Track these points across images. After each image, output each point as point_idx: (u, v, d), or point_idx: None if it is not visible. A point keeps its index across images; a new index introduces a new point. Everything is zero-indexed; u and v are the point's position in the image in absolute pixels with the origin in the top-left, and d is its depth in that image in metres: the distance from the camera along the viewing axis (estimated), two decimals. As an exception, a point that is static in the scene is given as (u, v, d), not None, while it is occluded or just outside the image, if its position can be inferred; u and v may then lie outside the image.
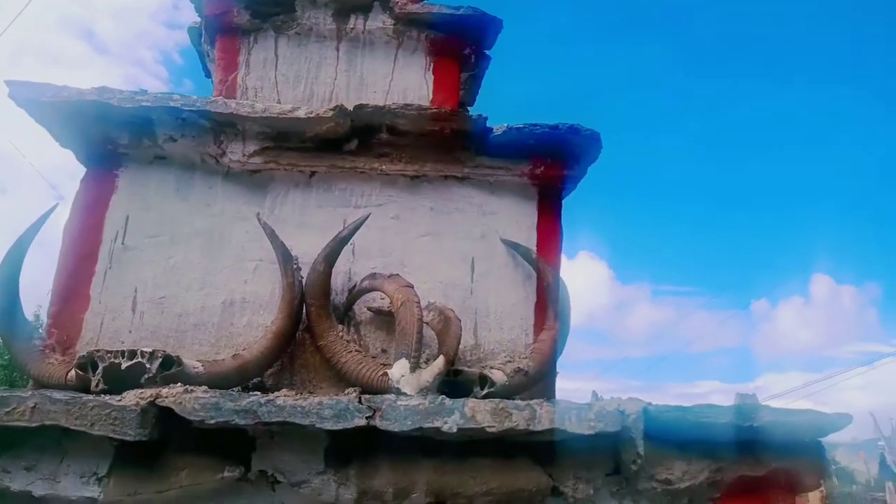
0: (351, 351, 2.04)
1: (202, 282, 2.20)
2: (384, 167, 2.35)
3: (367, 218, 2.16)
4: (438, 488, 1.57)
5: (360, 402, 1.49)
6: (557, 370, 2.32)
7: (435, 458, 1.59)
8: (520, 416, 1.54)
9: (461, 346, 2.22)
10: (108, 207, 2.24)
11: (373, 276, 2.14)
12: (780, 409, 1.65)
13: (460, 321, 2.03)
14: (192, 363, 1.86)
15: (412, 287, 1.98)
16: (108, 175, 2.25)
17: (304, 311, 2.08)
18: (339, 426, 1.46)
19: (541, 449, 1.64)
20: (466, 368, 2.01)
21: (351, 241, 2.18)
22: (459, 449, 1.61)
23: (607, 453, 1.66)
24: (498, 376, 2.00)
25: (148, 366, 1.73)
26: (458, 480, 1.58)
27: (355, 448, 1.56)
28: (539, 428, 1.53)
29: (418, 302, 1.93)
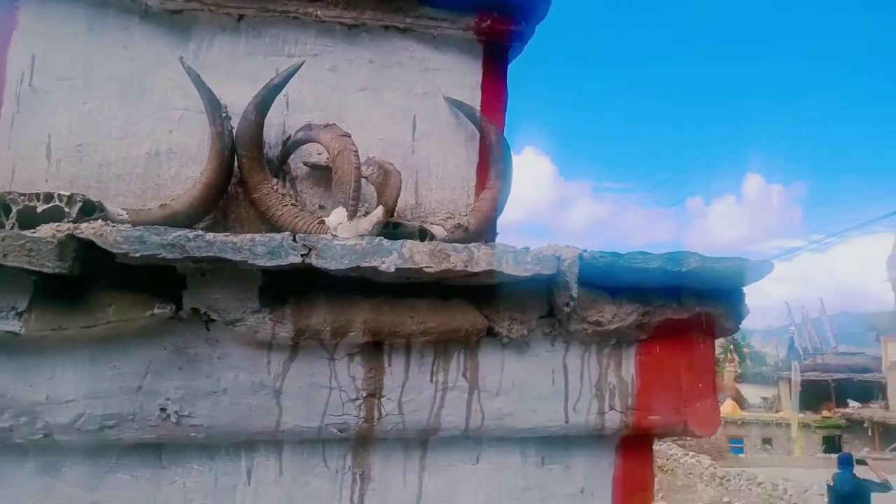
0: (286, 204, 1.98)
1: (123, 130, 2.05)
2: (319, 12, 2.19)
3: (300, 65, 2.03)
4: (376, 327, 1.58)
5: (294, 240, 1.45)
6: (497, 231, 2.33)
7: (373, 299, 1.59)
8: (458, 257, 1.54)
9: (402, 206, 2.20)
10: (9, 45, 2.02)
11: (308, 126, 2.05)
12: (708, 256, 1.70)
13: (400, 174, 1.99)
14: (116, 210, 1.77)
15: (349, 136, 1.91)
16: (7, 7, 2.02)
17: (235, 163, 2.00)
18: (273, 263, 1.42)
19: (477, 292, 1.66)
20: (406, 222, 1.99)
21: (284, 91, 2.06)
22: (397, 290, 1.61)
23: (542, 297, 1.70)
24: (438, 231, 1.99)
25: (67, 210, 1.64)
26: (395, 320, 1.59)
27: (291, 288, 1.54)
28: (476, 269, 1.54)
29: (356, 151, 1.86)
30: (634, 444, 1.87)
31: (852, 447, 27.69)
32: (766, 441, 31.66)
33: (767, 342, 54.91)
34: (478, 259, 1.55)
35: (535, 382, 1.73)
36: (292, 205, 1.99)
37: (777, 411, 34.68)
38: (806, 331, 38.86)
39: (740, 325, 1.87)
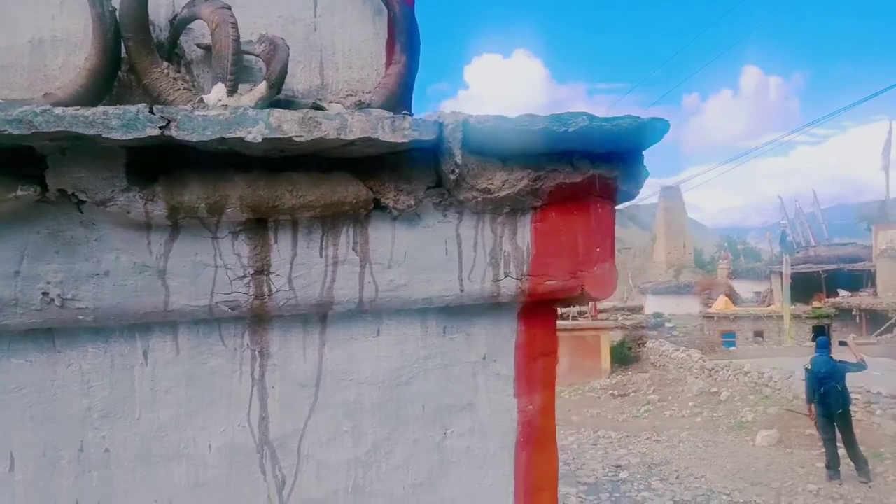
0: (179, 88, 1.92)
1: (1, 17, 1.96)
2: None
3: (183, -63, 1.91)
4: (254, 203, 1.56)
5: (151, 111, 1.41)
6: (412, 110, 2.28)
7: (248, 174, 1.56)
8: (330, 125, 1.49)
9: (307, 87, 2.14)
10: None
11: (192, 2, 1.95)
12: (598, 116, 1.66)
13: (288, 48, 1.90)
14: (-9, 101, 1.71)
15: (228, 8, 1.81)
16: None
17: (122, 47, 1.91)
18: (130, 136, 1.38)
19: (361, 164, 1.63)
20: (299, 100, 1.94)
21: (171, -33, 1.96)
22: (277, 165, 1.58)
23: (428, 166, 1.67)
24: (335, 109, 1.94)
25: (-68, 100, 1.59)
26: (273, 194, 1.57)
27: (160, 165, 1.51)
28: (350, 137, 1.50)
29: (234, 23, 1.78)
30: (535, 311, 1.90)
31: (841, 335, 28.55)
32: (758, 334, 32.57)
33: (763, 238, 55.28)
34: (351, 126, 1.50)
35: (427, 253, 1.73)
36: (185, 89, 1.92)
37: (769, 305, 35.45)
38: (799, 224, 39.13)
39: (638, 190, 1.85)
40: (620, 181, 1.81)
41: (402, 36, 2.13)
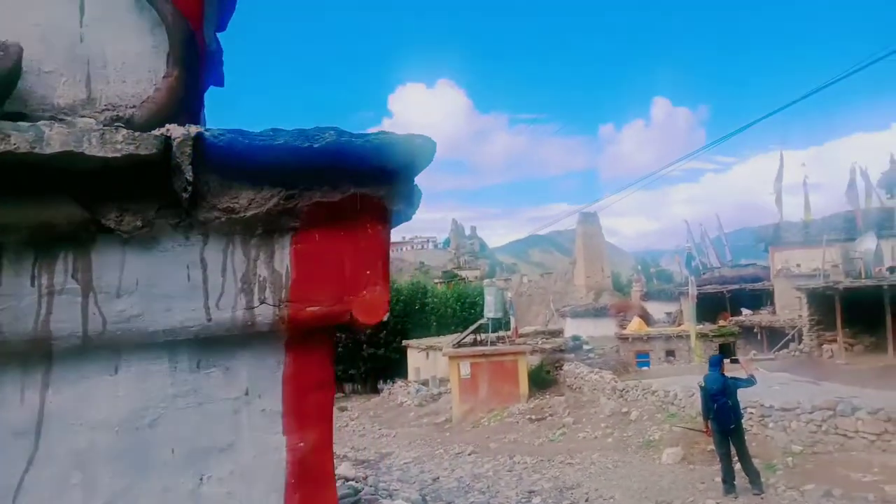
0: None
1: None
2: None
3: None
4: (-61, 224, 1.37)
5: None
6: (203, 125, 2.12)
7: (-72, 194, 1.36)
8: (21, 138, 1.33)
9: (71, 101, 1.95)
10: None
11: None
12: (350, 132, 1.56)
13: (22, 49, 1.72)
14: None
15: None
16: None
17: None
18: None
19: (80, 181, 1.47)
20: (36, 114, 1.75)
21: None
22: (-28, 182, 1.38)
23: (157, 184, 1.52)
24: (83, 124, 1.76)
25: None
26: (-41, 216, 1.38)
27: None
28: (48, 151, 1.34)
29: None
30: (305, 340, 1.76)
31: (744, 351, 29.98)
32: (670, 353, 33.76)
33: (674, 261, 57.70)
34: (49, 139, 1.34)
35: (167, 280, 1.57)
36: None
37: (679, 325, 36.89)
38: (704, 247, 41.14)
39: (413, 211, 1.77)
40: (391, 201, 1.71)
41: (177, 48, 1.99)
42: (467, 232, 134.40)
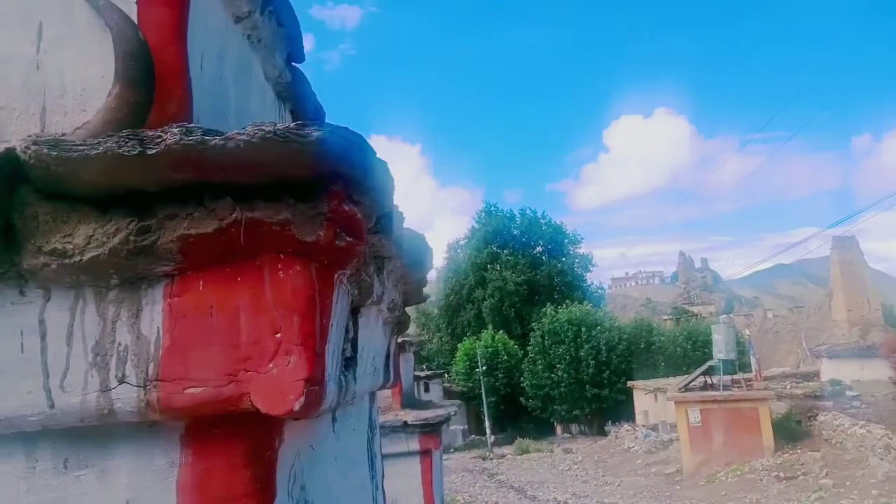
0: None
1: None
2: None
3: None
4: None
5: None
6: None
7: None
8: None
9: (23, 136, 1.72)
10: None
11: None
12: (244, 131, 1.04)
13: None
14: None
15: None
16: None
17: None
18: None
19: None
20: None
21: None
22: None
23: (-29, 221, 1.13)
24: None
25: None
26: None
27: None
28: None
29: None
30: (210, 434, 1.23)
31: None
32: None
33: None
34: None
35: (-7, 351, 1.17)
36: None
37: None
38: None
39: (386, 237, 1.18)
40: (306, 228, 1.14)
41: (121, 61, 1.66)
42: (697, 264, 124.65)
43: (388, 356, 3.11)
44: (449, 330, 57.96)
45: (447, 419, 9.01)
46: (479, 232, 60.40)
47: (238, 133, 1.01)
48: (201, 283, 1.15)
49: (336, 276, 1.26)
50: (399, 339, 10.18)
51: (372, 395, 3.06)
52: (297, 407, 1.10)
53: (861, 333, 54.56)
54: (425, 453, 8.57)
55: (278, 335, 1.15)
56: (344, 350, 1.58)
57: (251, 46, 2.71)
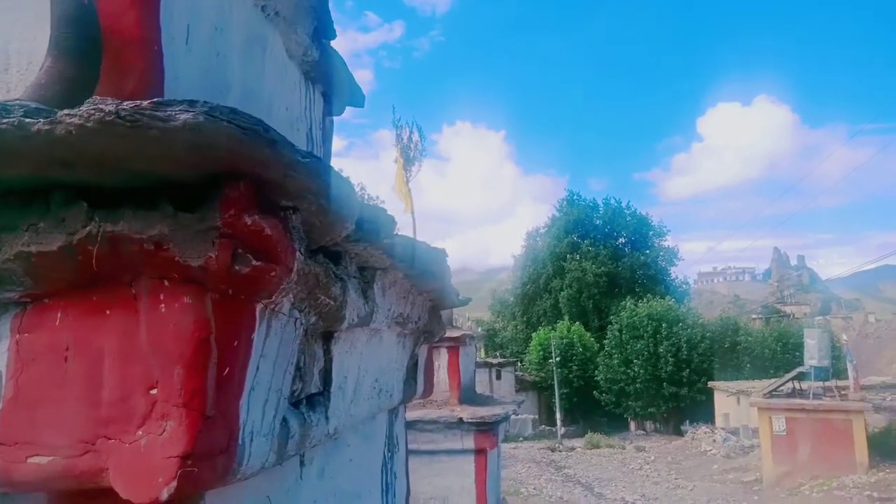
0: None
1: None
2: None
3: None
4: None
5: None
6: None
7: None
8: None
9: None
10: None
11: None
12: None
13: None
14: None
15: None
16: None
17: None
18: None
19: None
20: None
21: None
22: None
23: None
24: None
25: None
26: None
27: None
28: None
29: None
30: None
31: None
32: None
33: None
34: None
35: None
36: None
37: None
38: None
39: (291, 265, 0.85)
40: (191, 247, 0.83)
41: (56, 28, 1.40)
42: (793, 262, 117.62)
43: (410, 369, 2.81)
44: (524, 318, 57.39)
45: (506, 418, 8.66)
46: (559, 221, 59.24)
47: (68, 114, 0.70)
48: (59, 315, 0.87)
49: (259, 308, 0.95)
50: (459, 334, 9.87)
51: (392, 413, 2.78)
52: (164, 495, 0.80)
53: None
54: (480, 452, 8.28)
55: (153, 391, 0.84)
56: (301, 387, 1.28)
57: (266, 20, 2.44)
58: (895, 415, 24.93)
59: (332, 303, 1.24)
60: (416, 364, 2.95)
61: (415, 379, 2.98)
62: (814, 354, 23.00)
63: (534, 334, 49.94)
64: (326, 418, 1.42)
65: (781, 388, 24.42)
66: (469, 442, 8.37)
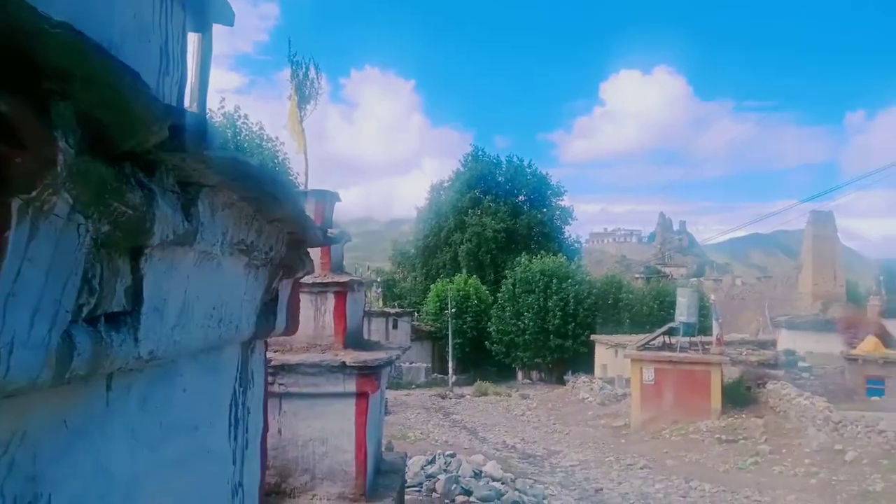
0: None
1: None
2: None
3: None
4: None
5: None
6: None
7: None
8: None
9: None
10: None
11: None
12: None
13: None
14: None
15: None
16: None
17: None
18: None
19: None
20: None
21: None
22: None
23: None
24: None
25: None
26: None
27: None
28: None
29: None
30: None
31: None
32: (914, 383, 27.79)
33: (931, 273, 48.13)
34: None
35: None
36: None
37: (931, 350, 30.25)
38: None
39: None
40: None
41: None
42: (676, 226, 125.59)
43: (268, 304, 2.76)
44: (424, 270, 58.03)
45: (389, 362, 8.79)
46: (463, 175, 59.71)
47: None
48: None
49: (17, 204, 0.88)
50: (347, 279, 9.79)
51: (247, 347, 2.73)
52: None
53: (823, 307, 55.85)
54: (361, 395, 8.38)
55: None
56: (95, 302, 1.22)
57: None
58: (748, 368, 27.62)
59: (130, 212, 1.18)
60: (275, 299, 2.90)
61: (274, 315, 2.93)
62: (683, 312, 24.90)
63: (432, 286, 50.71)
64: (136, 340, 1.37)
65: (653, 341, 26.34)
66: (351, 385, 8.44)
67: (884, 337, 32.95)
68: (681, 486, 15.88)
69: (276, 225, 2.23)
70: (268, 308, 2.77)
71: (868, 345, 31.29)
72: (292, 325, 3.27)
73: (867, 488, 13.88)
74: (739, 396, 23.62)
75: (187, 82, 2.67)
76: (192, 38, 2.90)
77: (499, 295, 46.54)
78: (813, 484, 14.93)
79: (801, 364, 31.11)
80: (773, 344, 37.85)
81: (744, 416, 21.58)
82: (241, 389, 2.68)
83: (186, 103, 2.81)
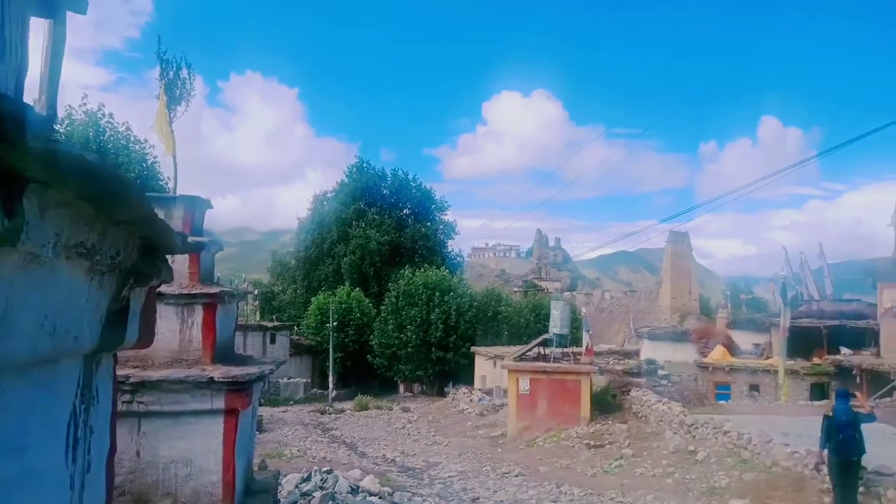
0: None
1: None
2: None
3: None
4: None
5: None
6: None
7: None
8: None
9: None
10: None
11: None
12: None
13: None
14: None
15: None
16: None
17: None
18: None
19: None
20: None
21: None
22: None
23: None
24: None
25: None
26: None
27: None
28: None
29: None
30: None
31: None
32: (754, 388, 30.81)
33: (768, 289, 53.67)
34: None
35: None
36: None
37: (768, 358, 33.74)
38: (803, 277, 37.54)
39: None
40: None
41: None
42: (551, 243, 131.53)
43: (116, 314, 2.58)
44: (305, 283, 56.69)
45: (261, 377, 8.48)
46: (347, 187, 59.15)
47: None
48: None
49: None
50: (217, 290, 9.38)
51: (90, 361, 2.53)
52: None
53: (680, 319, 60.65)
54: (230, 412, 8.02)
55: None
56: None
57: None
58: (614, 376, 29.39)
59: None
60: (125, 309, 2.73)
61: (124, 325, 2.75)
62: (557, 324, 26.07)
63: (313, 298, 49.62)
64: None
65: (529, 352, 27.32)
66: (219, 402, 8.07)
67: (730, 346, 36.34)
68: (552, 492, 16.51)
69: (125, 228, 2.09)
70: (116, 318, 2.59)
71: (716, 353, 34.37)
72: (146, 337, 3.08)
73: (714, 484, 15.13)
74: (606, 404, 25.04)
75: (28, 71, 2.46)
76: (43, 25, 2.68)
77: (382, 308, 46.42)
78: (669, 483, 16.05)
79: (660, 372, 33.54)
80: (637, 353, 40.59)
81: (610, 422, 22.86)
82: (83, 407, 2.48)
83: (36, 95, 2.60)
